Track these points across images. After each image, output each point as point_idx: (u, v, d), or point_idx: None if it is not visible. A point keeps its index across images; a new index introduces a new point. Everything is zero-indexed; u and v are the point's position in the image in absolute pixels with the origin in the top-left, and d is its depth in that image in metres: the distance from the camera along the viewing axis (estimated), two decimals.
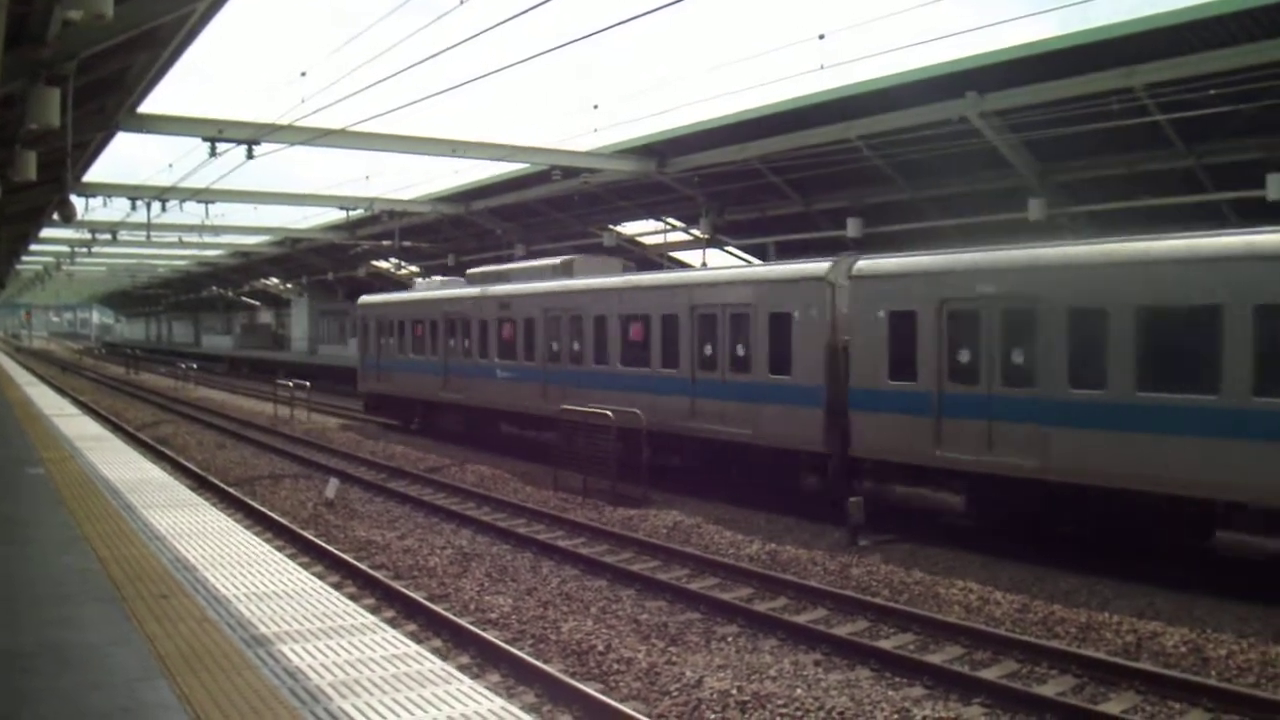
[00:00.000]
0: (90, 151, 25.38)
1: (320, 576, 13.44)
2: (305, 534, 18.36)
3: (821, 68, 23.31)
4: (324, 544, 17.62)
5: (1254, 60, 18.56)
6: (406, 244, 50.20)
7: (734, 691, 10.49)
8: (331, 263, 66.44)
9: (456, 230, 48.19)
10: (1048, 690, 10.98)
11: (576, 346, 26.45)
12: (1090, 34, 19.69)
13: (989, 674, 11.49)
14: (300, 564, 13.19)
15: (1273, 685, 10.86)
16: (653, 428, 22.14)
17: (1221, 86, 19.14)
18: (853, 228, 29.94)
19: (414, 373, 34.55)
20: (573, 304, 26.65)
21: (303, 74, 29.41)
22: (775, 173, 30.78)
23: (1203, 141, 22.28)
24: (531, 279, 29.44)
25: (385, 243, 50.88)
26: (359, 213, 44.61)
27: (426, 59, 15.50)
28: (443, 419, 33.92)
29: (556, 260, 29.61)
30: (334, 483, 22.64)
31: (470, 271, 34.36)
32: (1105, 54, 19.89)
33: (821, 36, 21.87)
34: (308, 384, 41.52)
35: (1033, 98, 21.72)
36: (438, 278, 39.96)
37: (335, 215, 49.07)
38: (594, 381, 25.20)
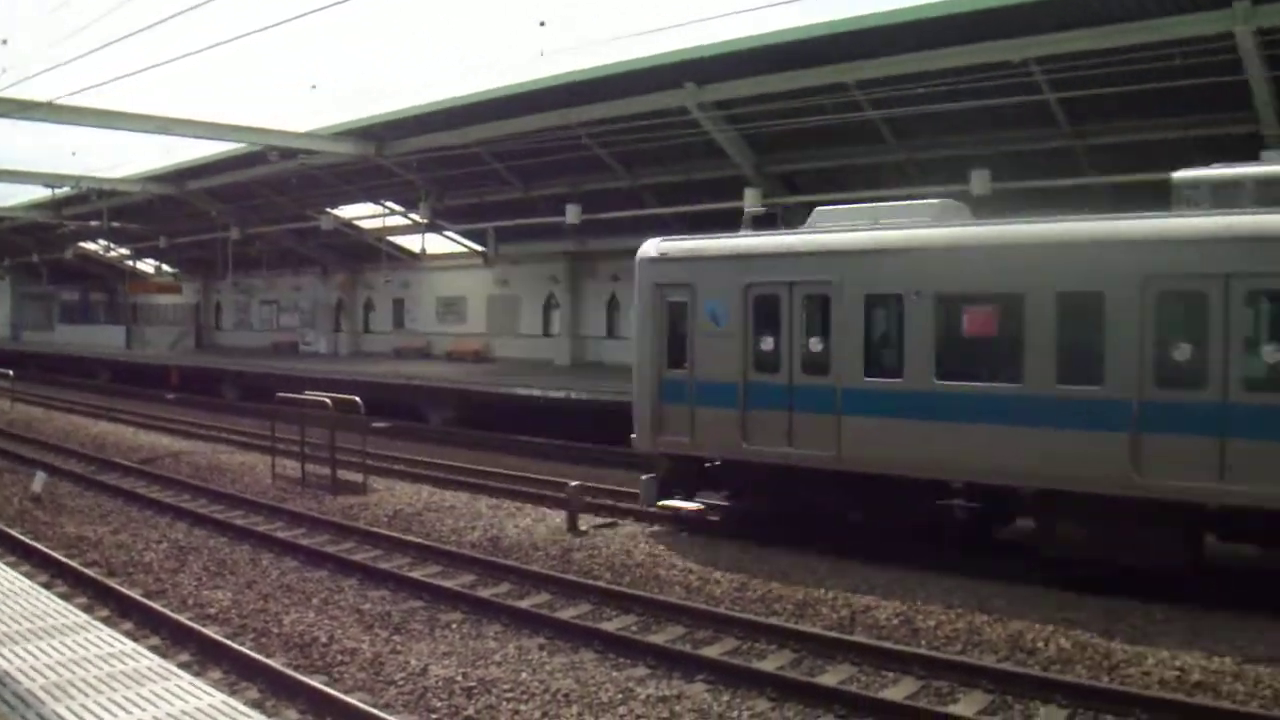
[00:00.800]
0: None
1: (29, 576, 12.70)
2: (11, 532, 17.21)
3: (542, 54, 23.40)
4: (31, 541, 16.61)
5: (967, 61, 19.71)
6: (116, 224, 48.27)
7: (459, 678, 10.48)
8: (36, 243, 63.50)
9: (170, 211, 46.63)
10: (767, 665, 11.26)
11: None
12: (803, 31, 20.41)
13: (710, 652, 11.70)
14: (6, 564, 12.35)
15: (978, 651, 11.45)
16: None
17: (933, 85, 20.27)
18: (571, 214, 30.23)
19: (974, 422, 13.91)
20: None
21: (4, 41, 26.87)
22: (496, 159, 30.78)
23: (913, 137, 23.48)
24: None
25: (94, 223, 48.88)
26: (65, 191, 42.49)
27: (138, 31, 14.70)
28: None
29: None
30: (41, 476, 21.23)
31: (1182, 176, 13.49)
32: (821, 51, 20.65)
33: (543, 23, 21.91)
34: (10, 372, 38.83)
35: (750, 90, 22.36)
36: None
37: (40, 193, 46.63)
38: None
